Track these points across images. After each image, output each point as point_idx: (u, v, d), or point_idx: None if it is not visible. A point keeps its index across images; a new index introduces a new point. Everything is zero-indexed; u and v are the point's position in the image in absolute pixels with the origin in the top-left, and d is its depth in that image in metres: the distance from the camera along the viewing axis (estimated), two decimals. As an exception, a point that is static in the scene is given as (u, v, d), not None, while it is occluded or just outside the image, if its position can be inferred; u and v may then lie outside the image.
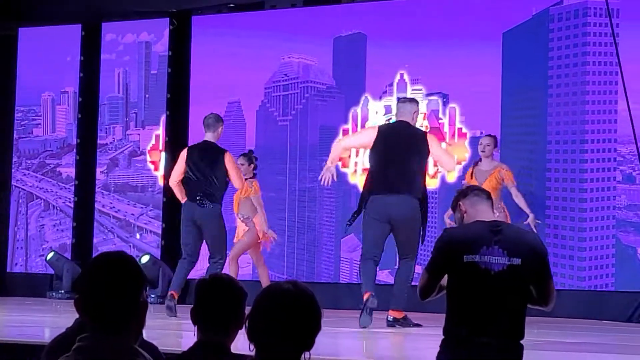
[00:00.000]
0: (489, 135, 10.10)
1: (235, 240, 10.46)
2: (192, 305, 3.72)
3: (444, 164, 9.09)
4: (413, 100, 9.02)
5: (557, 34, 10.62)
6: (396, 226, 8.62)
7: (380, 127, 9.07)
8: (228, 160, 9.45)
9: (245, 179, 10.09)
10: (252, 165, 10.43)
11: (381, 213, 8.58)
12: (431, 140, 8.81)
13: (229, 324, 3.62)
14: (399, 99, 9.32)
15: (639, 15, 10.16)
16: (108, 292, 2.71)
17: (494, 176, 9.81)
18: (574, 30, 10.52)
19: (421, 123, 11.33)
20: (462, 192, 4.97)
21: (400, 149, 8.62)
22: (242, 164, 10.31)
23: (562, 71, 10.57)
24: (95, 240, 12.92)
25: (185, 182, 9.51)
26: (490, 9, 11.10)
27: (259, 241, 10.43)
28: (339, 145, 9.34)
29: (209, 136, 9.60)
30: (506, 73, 10.89)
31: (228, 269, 9.87)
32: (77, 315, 3.79)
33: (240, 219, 10.39)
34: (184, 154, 9.62)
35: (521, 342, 4.71)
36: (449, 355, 4.66)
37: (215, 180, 9.40)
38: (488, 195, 4.93)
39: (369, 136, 8.88)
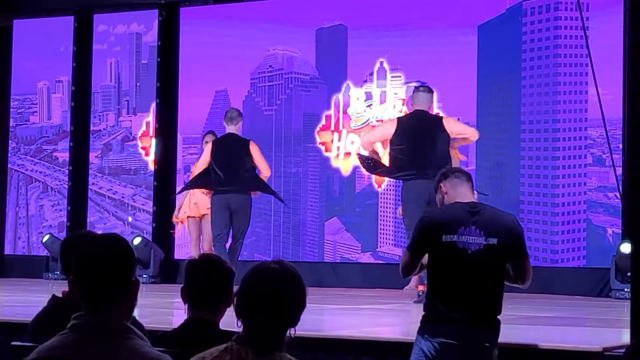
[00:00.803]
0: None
1: (186, 215, 10.37)
2: (182, 285, 3.72)
3: (470, 135, 8.89)
4: (430, 90, 8.98)
5: (529, 27, 10.65)
6: None
7: (399, 119, 8.99)
8: (253, 148, 9.46)
9: None
10: None
11: (420, 197, 8.39)
12: (447, 121, 8.76)
13: (218, 301, 3.63)
14: (416, 88, 9.20)
15: (607, 9, 10.17)
16: (101, 272, 2.71)
17: None
18: (546, 23, 10.56)
19: (400, 108, 11.35)
20: (443, 174, 4.99)
21: (426, 135, 8.52)
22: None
23: (535, 63, 10.60)
24: (92, 219, 12.95)
25: (214, 173, 9.50)
26: (466, 2, 11.11)
27: None
28: (364, 141, 9.37)
29: (232, 129, 9.58)
30: (481, 62, 10.90)
31: (209, 251, 9.82)
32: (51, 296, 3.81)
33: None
34: (209, 147, 9.59)
35: (498, 317, 4.73)
36: (429, 330, 4.68)
37: (245, 169, 9.42)
38: (468, 178, 4.95)
39: (388, 129, 8.77)
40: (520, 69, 10.65)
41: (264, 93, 12.17)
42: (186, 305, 3.67)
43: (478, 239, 4.65)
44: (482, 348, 4.66)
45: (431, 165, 8.15)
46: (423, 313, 4.75)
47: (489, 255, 4.64)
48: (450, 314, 4.62)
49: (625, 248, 9.05)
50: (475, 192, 4.94)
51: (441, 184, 4.92)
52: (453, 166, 7.50)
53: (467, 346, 4.62)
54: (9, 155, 13.62)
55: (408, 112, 9.50)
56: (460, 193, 4.83)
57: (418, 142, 8.55)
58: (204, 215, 10.39)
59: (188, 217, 10.59)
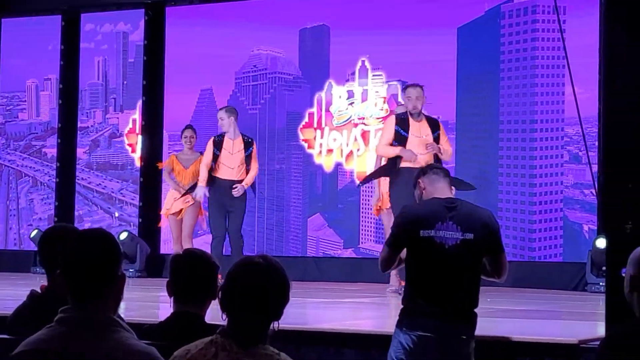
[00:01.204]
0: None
1: (168, 211, 10.33)
2: (167, 279, 3.72)
3: (446, 155, 8.59)
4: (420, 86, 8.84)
5: (508, 30, 10.69)
6: None
7: (396, 115, 8.69)
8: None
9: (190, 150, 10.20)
10: (195, 137, 10.37)
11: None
12: (442, 129, 8.65)
13: (203, 295, 3.63)
14: (407, 85, 8.99)
15: (582, 11, 10.20)
16: (88, 267, 2.71)
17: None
18: (524, 26, 10.61)
19: (382, 106, 11.37)
20: (422, 170, 5.00)
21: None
22: (192, 137, 10.24)
23: (513, 64, 10.65)
24: (81, 212, 12.95)
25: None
26: (445, 4, 11.13)
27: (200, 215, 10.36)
28: (380, 152, 8.76)
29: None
30: (461, 63, 10.93)
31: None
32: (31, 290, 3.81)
33: (193, 195, 10.10)
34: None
35: (475, 310, 4.75)
36: (407, 323, 4.70)
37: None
38: (446, 174, 4.96)
39: (391, 128, 8.50)
40: (498, 70, 10.69)
41: (248, 92, 12.17)
42: (171, 299, 3.67)
43: (455, 234, 4.66)
44: (459, 341, 4.67)
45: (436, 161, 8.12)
46: (402, 307, 4.76)
47: (466, 250, 4.66)
48: (428, 307, 4.63)
49: (601, 243, 9.10)
50: (453, 188, 4.95)
51: (419, 180, 4.93)
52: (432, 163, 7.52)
53: (445, 339, 4.63)
54: (-1, 151, 13.63)
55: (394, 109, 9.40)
56: (438, 189, 4.85)
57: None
58: (182, 210, 10.27)
59: (169, 214, 10.46)
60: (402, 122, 8.38)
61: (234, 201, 9.29)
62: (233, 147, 9.43)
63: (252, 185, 9.53)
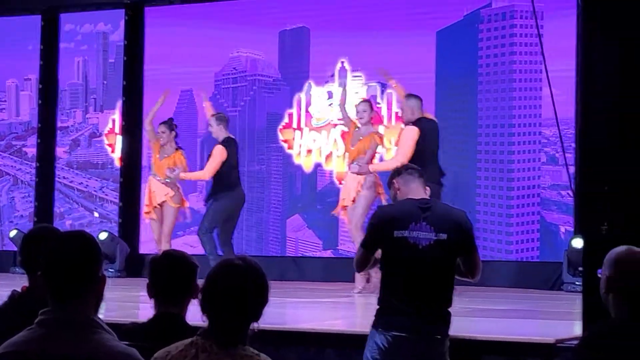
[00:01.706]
0: (366, 101, 9.81)
1: (149, 210, 10.25)
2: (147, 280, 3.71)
3: (388, 164, 8.77)
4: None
5: (486, 34, 10.74)
6: None
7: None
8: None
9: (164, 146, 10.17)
10: (173, 133, 10.30)
11: None
12: (403, 134, 8.79)
13: (183, 296, 3.63)
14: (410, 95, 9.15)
15: (560, 16, 10.23)
16: (68, 268, 2.70)
17: (366, 139, 9.46)
18: (502, 31, 10.65)
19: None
20: (396, 171, 5.02)
21: None
22: (164, 132, 10.16)
23: (491, 69, 10.68)
24: (62, 209, 12.91)
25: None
26: (424, 9, 11.14)
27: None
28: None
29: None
30: (440, 66, 10.95)
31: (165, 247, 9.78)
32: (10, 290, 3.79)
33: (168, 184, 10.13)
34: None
35: (449, 310, 4.76)
36: (382, 323, 4.71)
37: None
38: (420, 174, 4.97)
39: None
40: (477, 73, 10.73)
41: (228, 95, 12.16)
42: (152, 300, 3.66)
43: (428, 234, 4.68)
44: (433, 341, 4.69)
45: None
46: (377, 307, 4.77)
47: (440, 250, 4.67)
48: (403, 307, 4.65)
49: (577, 243, 9.13)
50: (427, 188, 4.96)
51: (394, 181, 4.94)
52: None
53: (419, 339, 4.65)
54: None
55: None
56: (412, 189, 4.86)
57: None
58: (163, 202, 10.17)
59: (150, 217, 10.34)
60: None
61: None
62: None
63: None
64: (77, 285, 2.70)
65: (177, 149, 10.16)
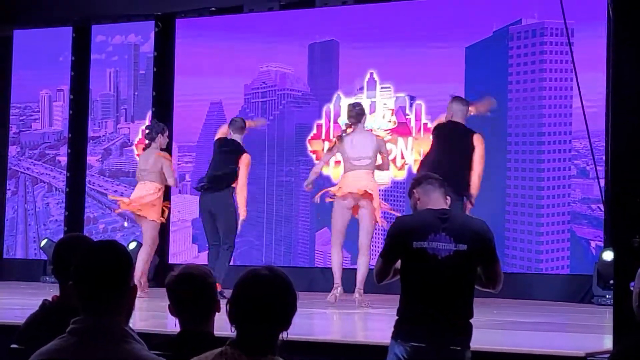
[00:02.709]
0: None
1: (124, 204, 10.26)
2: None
3: (383, 166, 9.31)
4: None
5: (516, 51, 10.72)
6: None
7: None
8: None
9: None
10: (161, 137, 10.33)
11: None
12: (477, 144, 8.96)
13: (205, 313, 3.58)
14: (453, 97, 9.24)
15: (591, 29, 10.17)
16: (100, 277, 2.71)
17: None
18: (532, 48, 10.63)
19: (389, 118, 11.37)
20: (417, 180, 4.98)
21: None
22: (144, 131, 10.22)
23: (521, 85, 10.64)
24: (95, 214, 13.02)
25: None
26: (453, 24, 11.13)
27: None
28: None
29: (237, 137, 10.01)
30: (469, 80, 10.91)
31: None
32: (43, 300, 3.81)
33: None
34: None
35: (470, 320, 4.73)
36: (401, 334, 4.69)
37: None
38: (441, 184, 4.94)
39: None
40: (507, 89, 10.68)
41: (257, 108, 12.20)
42: (176, 320, 3.64)
43: (448, 245, 4.64)
44: (452, 351, 4.66)
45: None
46: (397, 318, 4.75)
47: (459, 261, 4.64)
48: (422, 318, 4.62)
49: (607, 256, 9.08)
50: (448, 197, 4.93)
51: (414, 190, 4.91)
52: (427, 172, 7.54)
53: (438, 349, 4.62)
54: (15, 159, 13.69)
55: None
56: (432, 199, 4.83)
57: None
58: (140, 211, 10.11)
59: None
60: None
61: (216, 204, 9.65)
62: None
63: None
64: (108, 295, 2.71)
65: (162, 150, 10.30)
